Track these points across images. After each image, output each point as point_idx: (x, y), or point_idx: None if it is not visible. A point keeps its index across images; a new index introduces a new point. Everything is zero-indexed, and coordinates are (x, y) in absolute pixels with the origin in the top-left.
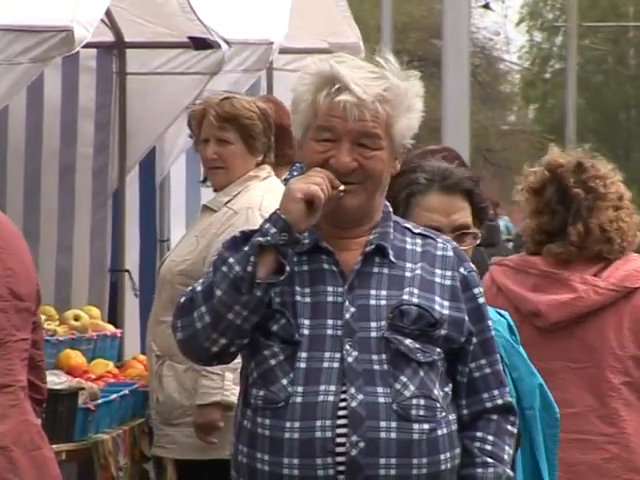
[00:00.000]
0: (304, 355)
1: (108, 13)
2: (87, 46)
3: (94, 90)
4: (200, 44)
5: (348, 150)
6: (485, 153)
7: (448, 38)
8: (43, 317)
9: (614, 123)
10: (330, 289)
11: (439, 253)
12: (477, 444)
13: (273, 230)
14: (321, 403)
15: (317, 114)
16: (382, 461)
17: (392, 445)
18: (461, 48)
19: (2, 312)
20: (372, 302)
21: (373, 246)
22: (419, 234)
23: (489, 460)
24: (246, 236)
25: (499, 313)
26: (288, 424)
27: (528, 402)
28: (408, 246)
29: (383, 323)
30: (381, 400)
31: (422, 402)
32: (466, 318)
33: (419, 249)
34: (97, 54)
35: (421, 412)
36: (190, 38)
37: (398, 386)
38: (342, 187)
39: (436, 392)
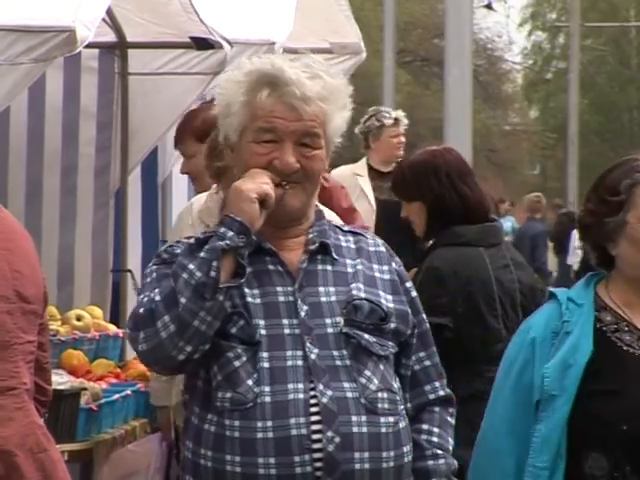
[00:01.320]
0: (265, 355)
1: (110, 13)
2: (89, 46)
3: (96, 90)
4: (202, 44)
5: (292, 150)
6: (487, 153)
7: (450, 38)
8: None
9: (617, 124)
10: (280, 289)
11: (372, 249)
12: (424, 437)
13: (230, 233)
14: (292, 401)
15: (256, 115)
16: (357, 455)
17: (364, 439)
18: (463, 48)
19: (8, 314)
20: (323, 299)
21: (317, 244)
22: (349, 232)
23: (439, 452)
24: (200, 242)
25: None
26: (260, 424)
27: None
28: (343, 243)
29: (338, 319)
30: (349, 395)
31: (385, 395)
32: (409, 311)
33: (353, 246)
34: (99, 54)
35: (386, 405)
36: (192, 38)
37: (363, 380)
38: (285, 184)
39: (395, 385)
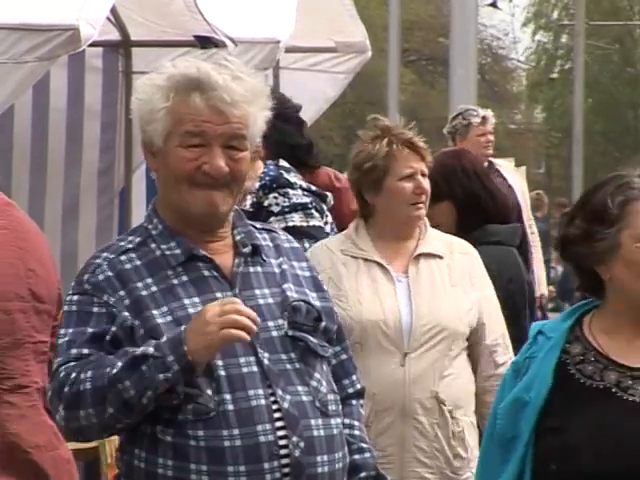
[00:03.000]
0: (220, 363)
1: (114, 11)
2: (93, 45)
3: (100, 89)
4: (206, 43)
5: (220, 154)
6: (493, 152)
7: (455, 37)
8: None
9: (621, 123)
10: (219, 295)
11: (287, 245)
12: (347, 431)
13: (176, 367)
14: (256, 408)
15: (183, 119)
16: (319, 459)
17: (323, 442)
18: (468, 47)
19: (21, 313)
20: (261, 302)
21: (249, 247)
22: (262, 229)
23: (363, 445)
24: (144, 355)
25: None
26: (225, 432)
27: None
28: (263, 242)
29: (280, 322)
30: (305, 399)
31: (332, 397)
32: (332, 306)
33: (270, 244)
34: (103, 53)
35: (333, 407)
36: (196, 37)
37: (314, 383)
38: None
39: (334, 386)
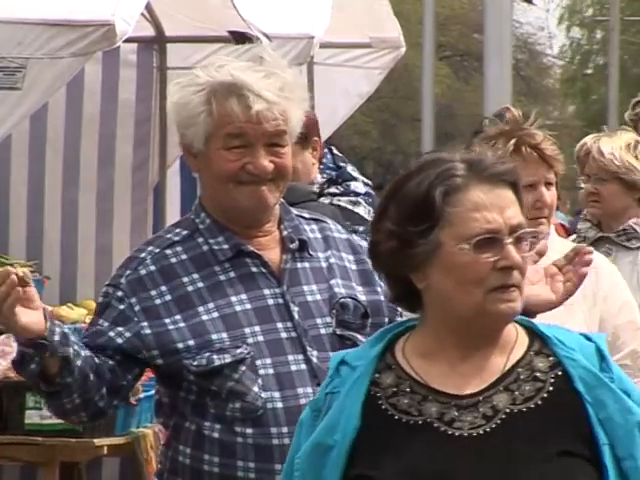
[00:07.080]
0: (268, 361)
1: (148, 7)
2: (128, 40)
3: (135, 85)
4: (240, 38)
5: (263, 153)
6: None
7: (490, 32)
8: (85, 311)
9: None
10: (267, 292)
11: (336, 235)
12: None
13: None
14: (305, 406)
15: (223, 122)
16: None
17: None
18: (503, 42)
19: None
20: (309, 298)
21: (297, 242)
22: (311, 219)
23: None
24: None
25: (587, 337)
26: (274, 430)
27: (625, 450)
28: (310, 234)
29: (328, 319)
30: None
31: None
32: (382, 299)
33: (319, 235)
34: (138, 49)
35: None
36: (230, 32)
37: None
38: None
39: None
